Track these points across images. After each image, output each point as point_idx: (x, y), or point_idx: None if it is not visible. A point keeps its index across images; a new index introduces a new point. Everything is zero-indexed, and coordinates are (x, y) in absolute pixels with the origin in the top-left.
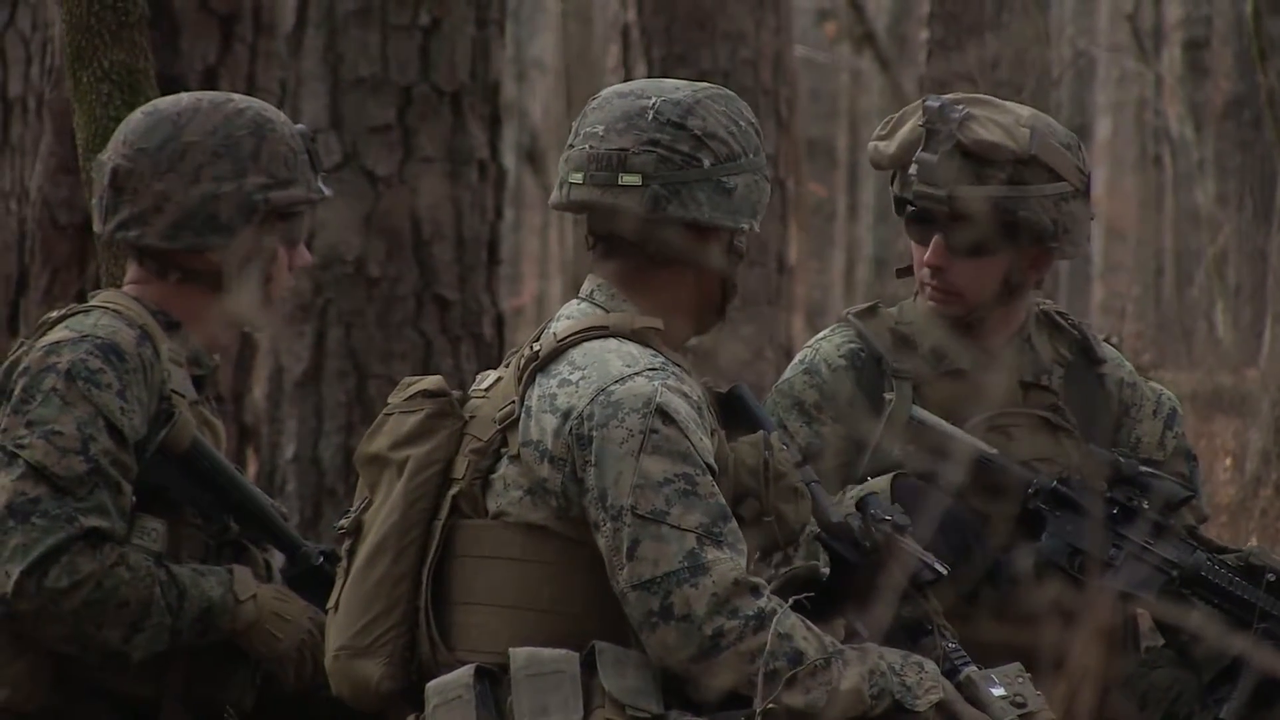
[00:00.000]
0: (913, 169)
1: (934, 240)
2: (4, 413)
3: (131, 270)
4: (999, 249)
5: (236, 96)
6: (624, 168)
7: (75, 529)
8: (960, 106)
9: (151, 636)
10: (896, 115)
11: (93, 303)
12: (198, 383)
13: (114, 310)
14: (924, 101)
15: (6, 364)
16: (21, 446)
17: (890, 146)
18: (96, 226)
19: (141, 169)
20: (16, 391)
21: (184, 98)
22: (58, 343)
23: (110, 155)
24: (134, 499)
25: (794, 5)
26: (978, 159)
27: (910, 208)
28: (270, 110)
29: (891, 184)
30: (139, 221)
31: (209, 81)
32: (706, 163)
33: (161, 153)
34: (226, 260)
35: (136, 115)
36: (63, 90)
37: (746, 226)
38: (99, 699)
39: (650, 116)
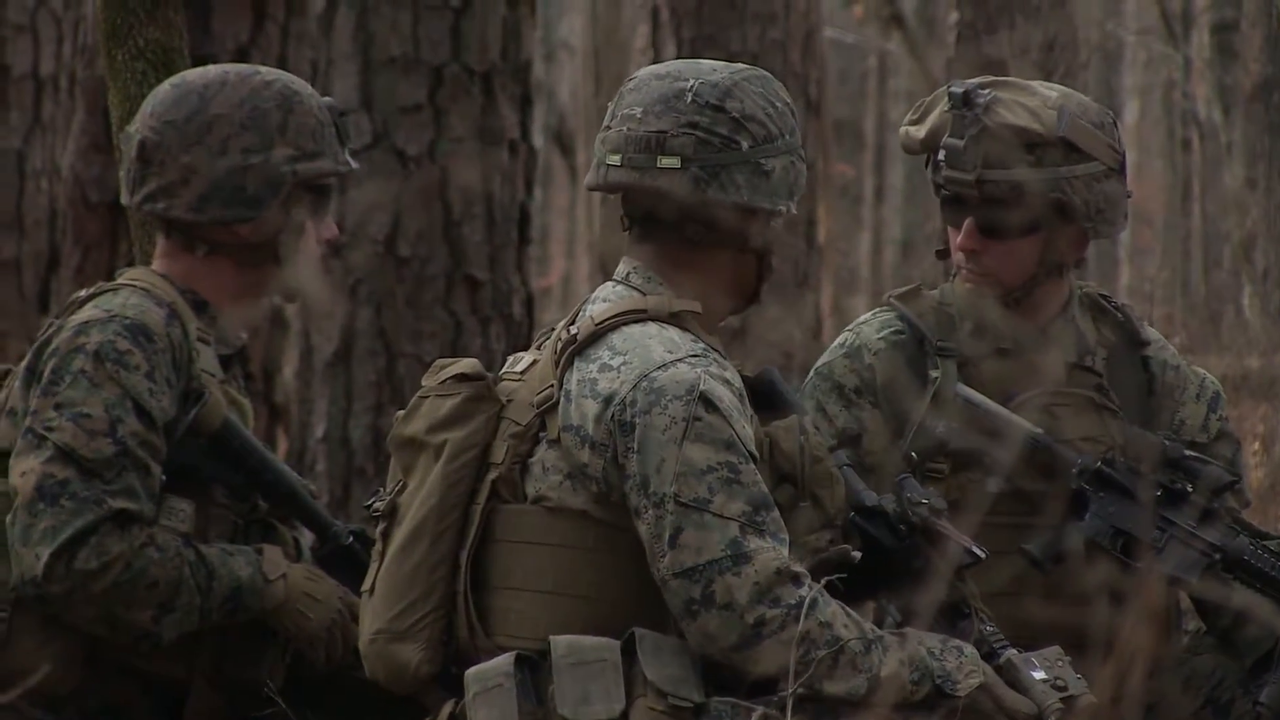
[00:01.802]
0: (941, 154)
1: (966, 224)
2: (34, 394)
3: (160, 244)
4: (1032, 231)
5: (264, 69)
6: (663, 150)
7: (104, 511)
8: (987, 90)
9: (181, 617)
10: (928, 99)
11: (121, 281)
12: (225, 361)
13: (142, 289)
14: (949, 87)
15: (37, 344)
16: (50, 429)
17: (921, 131)
18: (125, 199)
19: (169, 141)
20: (46, 373)
21: (211, 70)
22: (86, 323)
23: (138, 127)
24: (163, 479)
25: None
26: (1005, 142)
27: (943, 192)
28: (297, 83)
29: (926, 167)
30: (166, 194)
31: (240, 61)
32: (745, 145)
33: (189, 125)
34: (254, 233)
35: (164, 87)
36: (95, 69)
37: (784, 209)
38: (130, 679)
39: (689, 99)
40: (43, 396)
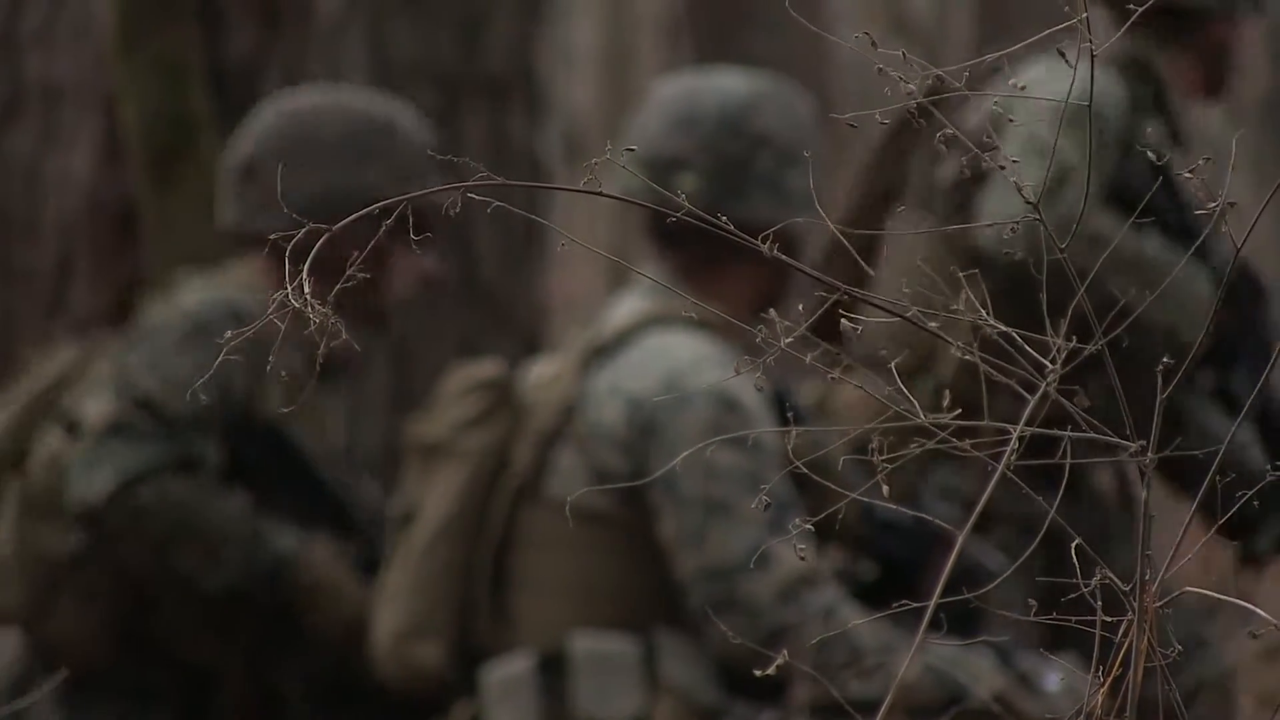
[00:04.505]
0: None
1: None
2: (125, 352)
3: (260, 262)
4: None
5: (367, 96)
6: (682, 169)
7: (172, 455)
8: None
9: (224, 571)
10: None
11: (229, 273)
12: (321, 369)
13: (245, 284)
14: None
15: (136, 317)
16: (134, 380)
17: None
18: (222, 218)
19: (268, 161)
20: (140, 333)
21: (314, 94)
22: (188, 298)
23: (238, 146)
24: (225, 464)
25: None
26: None
27: None
28: (402, 113)
29: None
30: (264, 211)
31: (250, 72)
32: (763, 163)
33: (289, 146)
34: (346, 254)
35: (266, 108)
36: (109, 79)
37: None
38: (162, 664)
39: (705, 116)
40: (133, 352)
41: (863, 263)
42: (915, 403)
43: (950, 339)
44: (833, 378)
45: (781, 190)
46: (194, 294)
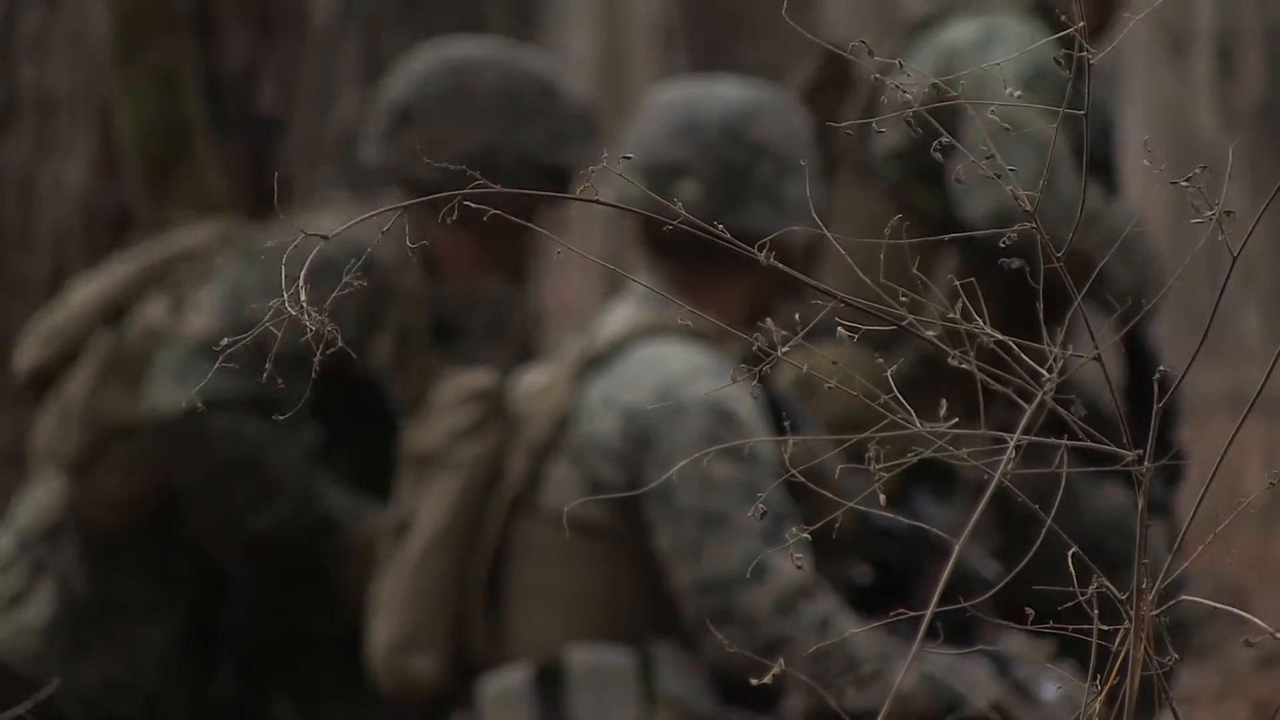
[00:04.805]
0: None
1: None
2: (247, 264)
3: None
4: None
5: (530, 54)
6: (681, 174)
7: (256, 390)
8: None
9: (268, 516)
10: None
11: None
12: (439, 330)
13: (378, 225)
14: None
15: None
16: (243, 303)
17: None
18: (368, 156)
19: (426, 107)
20: (266, 250)
21: (476, 45)
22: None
23: (394, 88)
24: (310, 407)
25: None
26: None
27: None
28: (559, 73)
29: None
30: (415, 158)
31: (245, 80)
32: (762, 173)
33: (448, 94)
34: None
35: (427, 54)
36: (104, 88)
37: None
38: (185, 556)
39: (706, 124)
40: (252, 270)
41: (863, 275)
42: (911, 411)
43: (946, 347)
44: (829, 387)
45: (779, 200)
46: (323, 214)
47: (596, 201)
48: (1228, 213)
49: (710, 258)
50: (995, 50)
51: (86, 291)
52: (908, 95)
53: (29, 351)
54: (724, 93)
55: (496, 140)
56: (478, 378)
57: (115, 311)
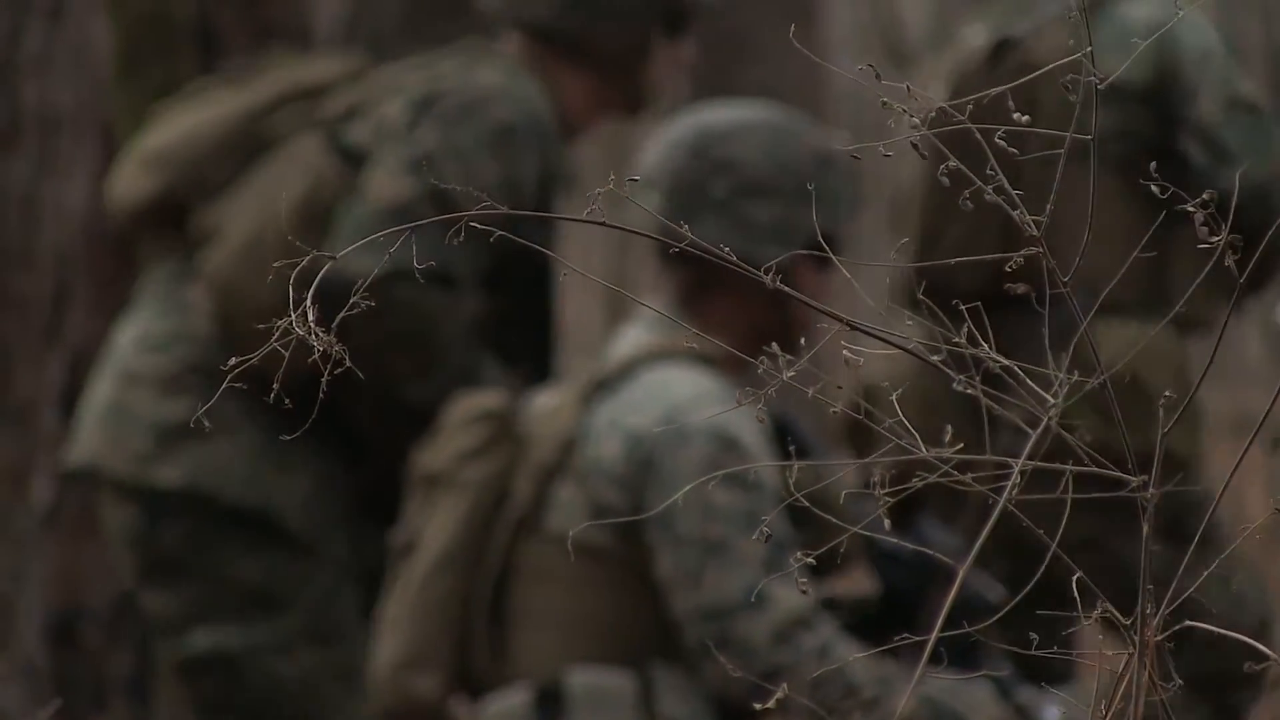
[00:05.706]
0: None
1: None
2: (425, 123)
3: (518, 47)
4: None
5: None
6: (649, 186)
7: (442, 263)
8: None
9: (426, 390)
10: None
11: (493, 54)
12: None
13: (514, 69)
14: None
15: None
16: (431, 165)
17: None
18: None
19: None
20: (442, 106)
21: None
22: (489, 88)
23: None
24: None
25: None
26: None
27: None
28: None
29: None
30: (531, 2)
31: None
32: (718, 188)
33: None
34: (615, 44)
35: None
36: (106, 106)
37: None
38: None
39: (680, 140)
40: (434, 127)
41: (867, 298)
42: (917, 435)
43: (952, 372)
44: (834, 411)
45: (737, 217)
46: (487, 73)
47: (600, 223)
48: (1233, 238)
49: (708, 272)
50: (1179, 26)
51: (201, 117)
52: (915, 120)
53: (133, 181)
54: (718, 113)
55: None
56: (487, 398)
57: (257, 142)
